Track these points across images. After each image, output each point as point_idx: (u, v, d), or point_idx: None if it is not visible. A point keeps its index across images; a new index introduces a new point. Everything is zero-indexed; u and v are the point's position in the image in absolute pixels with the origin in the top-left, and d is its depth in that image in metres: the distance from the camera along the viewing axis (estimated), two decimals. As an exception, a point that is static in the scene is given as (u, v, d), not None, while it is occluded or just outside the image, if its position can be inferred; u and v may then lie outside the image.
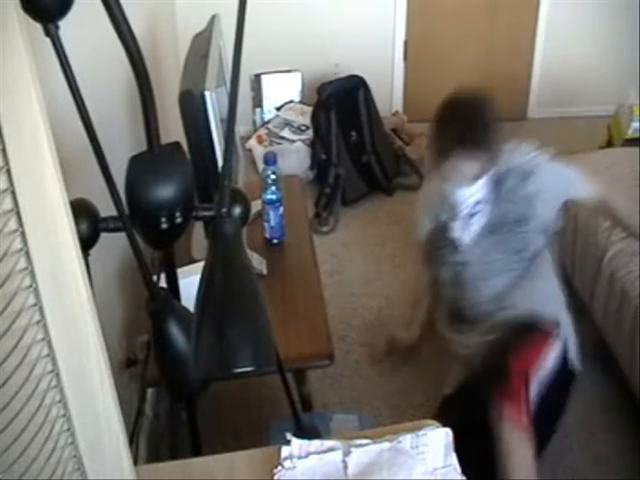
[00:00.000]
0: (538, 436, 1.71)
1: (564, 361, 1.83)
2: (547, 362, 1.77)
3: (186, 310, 1.02)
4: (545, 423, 1.84)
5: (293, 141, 3.50)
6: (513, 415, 1.68)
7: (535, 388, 1.74)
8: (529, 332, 1.76)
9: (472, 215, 1.82)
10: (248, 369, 0.82)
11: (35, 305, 0.69)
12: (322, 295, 1.81)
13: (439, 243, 1.93)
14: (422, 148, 3.40)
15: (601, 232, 2.20)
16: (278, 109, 3.74)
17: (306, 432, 1.23)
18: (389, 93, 3.94)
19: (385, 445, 1.00)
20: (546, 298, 1.87)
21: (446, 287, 1.97)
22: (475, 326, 1.88)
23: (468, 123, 1.73)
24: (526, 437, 1.67)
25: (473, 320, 1.89)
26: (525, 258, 1.84)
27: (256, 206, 1.88)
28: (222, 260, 0.86)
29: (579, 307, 2.34)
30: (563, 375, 1.83)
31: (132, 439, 1.35)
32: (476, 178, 1.75)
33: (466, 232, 1.85)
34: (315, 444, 1.01)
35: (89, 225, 0.92)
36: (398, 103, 3.96)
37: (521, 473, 1.68)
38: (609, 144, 3.37)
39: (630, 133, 3.24)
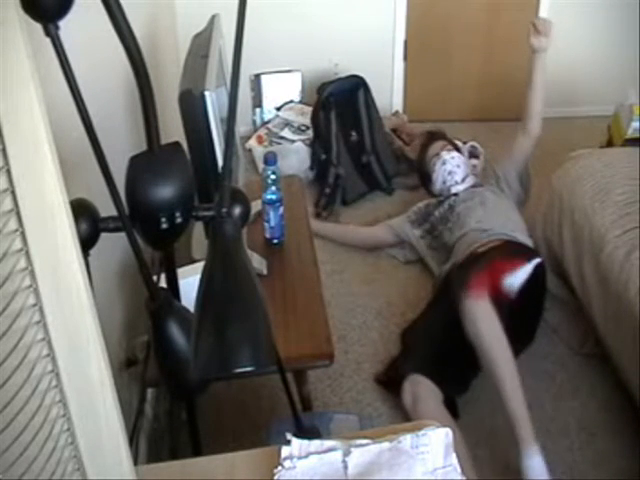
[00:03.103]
0: (517, 340, 2.07)
1: (538, 278, 2.26)
2: (517, 275, 2.19)
3: (186, 310, 1.02)
4: (522, 330, 2.25)
5: (293, 141, 3.50)
6: (475, 291, 2.00)
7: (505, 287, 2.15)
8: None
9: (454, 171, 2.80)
10: (248, 369, 0.82)
11: (35, 305, 0.69)
12: (322, 295, 1.81)
13: (433, 208, 2.78)
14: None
15: (597, 229, 2.20)
16: (278, 109, 3.74)
17: (306, 432, 1.23)
18: (389, 93, 3.94)
19: (385, 445, 1.00)
20: (516, 224, 2.52)
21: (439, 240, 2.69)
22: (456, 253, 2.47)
23: (429, 133, 3.11)
24: (489, 305, 1.96)
25: (457, 250, 2.48)
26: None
27: (256, 206, 1.88)
28: (222, 260, 0.86)
29: (578, 306, 2.34)
30: (537, 288, 2.28)
31: (132, 439, 1.35)
32: (449, 150, 2.87)
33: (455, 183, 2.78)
34: (315, 444, 1.01)
35: (89, 225, 0.92)
36: (398, 103, 3.96)
37: (490, 338, 1.92)
38: (609, 144, 3.37)
39: (630, 133, 3.24)
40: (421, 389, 2.02)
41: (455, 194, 2.74)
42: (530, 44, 2.58)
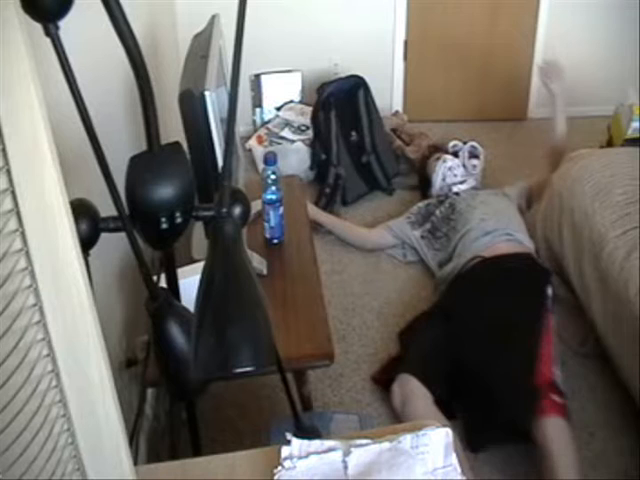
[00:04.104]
0: None
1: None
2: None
3: (186, 310, 1.02)
4: None
5: (293, 141, 3.50)
6: (550, 415, 1.86)
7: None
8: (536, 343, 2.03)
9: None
10: (248, 369, 0.82)
11: (35, 305, 0.69)
12: (322, 295, 1.81)
13: (434, 207, 2.80)
14: (422, 148, 3.41)
15: (597, 229, 2.20)
16: (278, 109, 3.74)
17: (306, 432, 1.23)
18: (389, 93, 3.93)
19: (385, 445, 1.00)
20: (518, 225, 2.57)
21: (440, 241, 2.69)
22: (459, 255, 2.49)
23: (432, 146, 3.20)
24: (563, 422, 1.84)
25: (460, 249, 2.51)
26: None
27: (256, 206, 1.88)
28: (222, 260, 0.86)
29: (578, 306, 2.34)
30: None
31: (132, 439, 1.35)
32: (444, 160, 2.93)
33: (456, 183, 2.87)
34: (315, 444, 1.01)
35: (89, 225, 0.92)
36: (398, 103, 3.96)
37: (566, 462, 1.81)
38: (609, 144, 3.36)
39: (630, 133, 3.23)
40: (410, 389, 2.00)
41: (456, 193, 2.77)
42: (547, 89, 2.75)
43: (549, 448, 1.81)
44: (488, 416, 1.97)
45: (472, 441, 1.96)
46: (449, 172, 2.87)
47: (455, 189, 2.81)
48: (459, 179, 2.86)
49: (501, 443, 1.97)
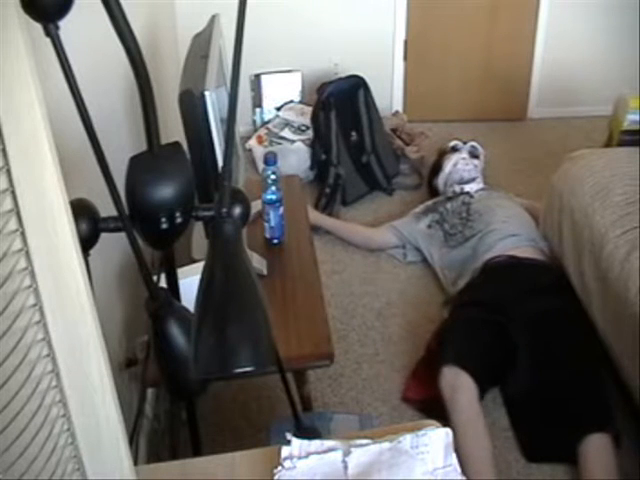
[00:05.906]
0: None
1: None
2: None
3: (186, 310, 1.02)
4: None
5: (293, 141, 3.50)
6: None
7: None
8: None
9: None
10: (248, 369, 0.82)
11: (35, 305, 0.69)
12: (322, 295, 1.81)
13: (444, 206, 2.81)
14: (422, 148, 3.41)
15: (597, 229, 2.20)
16: (278, 109, 3.74)
17: (306, 432, 1.23)
18: (389, 93, 3.94)
19: (385, 445, 1.00)
20: (535, 231, 2.61)
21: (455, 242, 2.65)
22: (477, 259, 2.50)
23: (442, 149, 3.15)
24: (611, 441, 1.91)
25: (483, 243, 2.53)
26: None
27: (256, 206, 1.88)
28: (222, 260, 0.86)
29: (578, 306, 2.34)
30: None
31: (132, 439, 1.35)
32: (460, 152, 3.02)
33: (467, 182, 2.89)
34: (315, 444, 1.01)
35: (89, 225, 0.92)
36: (398, 103, 3.96)
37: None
38: (609, 139, 3.36)
39: (626, 125, 3.22)
40: (460, 382, 2.01)
41: (468, 193, 2.79)
42: None
43: (595, 463, 1.86)
44: (554, 432, 2.00)
45: (529, 453, 2.00)
46: (462, 160, 2.93)
47: (467, 188, 2.82)
48: (469, 169, 2.89)
49: (558, 461, 1.99)
